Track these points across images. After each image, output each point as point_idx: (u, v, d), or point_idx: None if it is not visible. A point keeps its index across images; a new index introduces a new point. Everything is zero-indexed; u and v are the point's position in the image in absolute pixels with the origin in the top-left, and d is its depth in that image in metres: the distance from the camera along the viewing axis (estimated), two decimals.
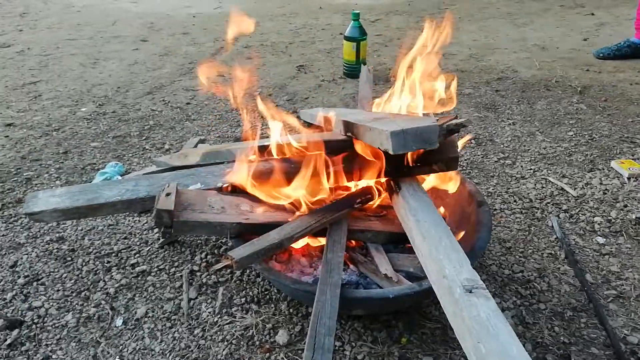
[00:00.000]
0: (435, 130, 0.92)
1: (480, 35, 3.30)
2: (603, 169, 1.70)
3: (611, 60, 2.69)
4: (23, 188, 1.67)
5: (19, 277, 1.27)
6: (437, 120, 0.95)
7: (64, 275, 1.28)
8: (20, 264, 1.32)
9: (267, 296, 1.20)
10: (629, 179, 1.62)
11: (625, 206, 1.49)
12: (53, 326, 1.13)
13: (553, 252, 1.32)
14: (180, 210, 1.09)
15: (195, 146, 1.87)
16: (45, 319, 1.15)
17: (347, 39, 2.57)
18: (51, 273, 1.29)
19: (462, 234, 1.17)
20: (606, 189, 1.58)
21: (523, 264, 1.28)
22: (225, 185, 1.23)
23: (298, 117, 2.17)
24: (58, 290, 1.23)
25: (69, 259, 1.34)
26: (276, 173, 1.15)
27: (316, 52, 3.13)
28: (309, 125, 2.07)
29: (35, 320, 1.14)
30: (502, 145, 1.89)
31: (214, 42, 3.38)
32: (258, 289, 1.22)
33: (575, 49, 2.98)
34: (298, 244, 1.17)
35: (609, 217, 1.45)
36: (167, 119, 2.19)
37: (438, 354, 1.03)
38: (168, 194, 1.10)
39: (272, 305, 1.17)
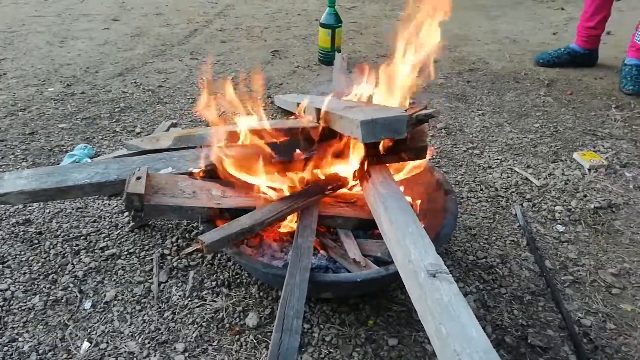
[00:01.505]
0: (404, 120, 0.94)
1: (453, 26, 3.34)
2: (566, 160, 1.76)
3: (550, 67, 2.64)
4: None
5: None
6: (406, 110, 0.97)
7: (31, 258, 1.27)
8: None
9: (238, 280, 1.21)
10: (589, 170, 1.69)
11: (585, 196, 1.55)
12: (19, 309, 1.12)
13: (515, 239, 1.38)
14: (151, 194, 1.09)
15: (167, 130, 1.86)
16: (12, 302, 1.14)
17: (323, 25, 2.57)
18: (17, 256, 1.27)
19: (427, 218, 1.21)
20: (568, 180, 1.64)
21: (487, 251, 1.33)
22: (197, 171, 1.23)
23: (272, 102, 2.17)
24: (25, 273, 1.22)
25: (36, 241, 1.32)
26: (251, 158, 1.16)
27: (291, 38, 3.11)
28: (283, 110, 2.07)
29: (1, 303, 1.13)
30: (471, 135, 1.94)
31: (187, 24, 3.32)
32: (229, 272, 1.23)
33: (545, 42, 3.05)
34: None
35: (569, 207, 1.51)
36: (138, 102, 2.16)
37: (403, 335, 1.07)
38: (138, 178, 1.10)
39: (243, 289, 1.18)
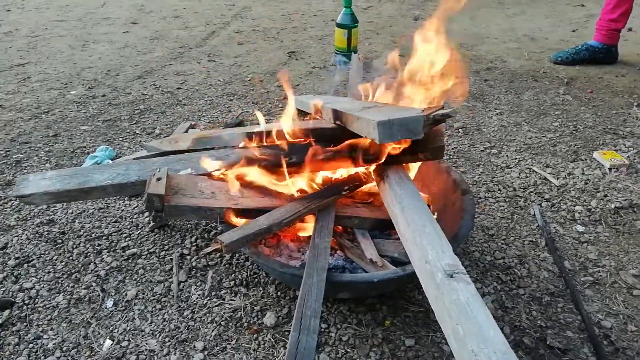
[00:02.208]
0: (421, 120, 0.94)
1: (471, 25, 3.32)
2: (586, 160, 1.74)
3: (569, 65, 2.62)
4: (12, 170, 1.67)
5: (9, 258, 1.29)
6: (423, 110, 0.97)
7: (55, 257, 1.30)
8: (11, 246, 1.33)
9: (256, 279, 1.22)
10: (610, 169, 1.66)
11: (606, 196, 1.53)
12: (44, 307, 1.15)
13: (534, 240, 1.36)
14: (171, 195, 1.11)
15: (186, 131, 1.88)
16: (36, 300, 1.17)
17: (339, 26, 2.57)
18: (42, 255, 1.31)
19: (444, 219, 1.21)
20: (588, 179, 1.62)
21: (505, 251, 1.32)
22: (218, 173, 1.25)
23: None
24: (49, 272, 1.25)
25: (60, 241, 1.36)
26: (264, 160, 1.17)
27: (308, 39, 3.13)
28: (300, 111, 2.08)
29: (26, 302, 1.16)
30: (488, 135, 1.92)
31: (205, 27, 3.36)
32: (247, 272, 1.24)
33: (564, 40, 3.01)
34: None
35: (589, 207, 1.49)
36: (157, 104, 2.19)
37: (420, 336, 1.07)
38: (159, 179, 1.12)
39: (261, 289, 1.20)
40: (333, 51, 2.70)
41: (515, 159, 1.76)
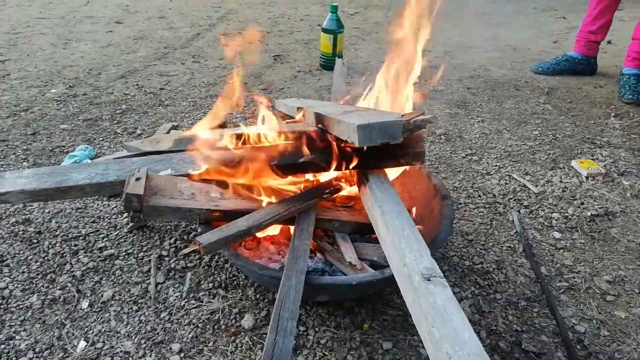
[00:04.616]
0: (400, 125, 0.95)
1: (454, 34, 3.36)
2: (564, 168, 1.77)
3: (549, 75, 2.65)
4: None
5: None
6: (403, 116, 0.98)
7: (30, 257, 1.28)
8: None
9: (235, 282, 1.22)
10: (587, 178, 1.69)
11: (582, 204, 1.56)
12: (17, 307, 1.13)
13: (512, 246, 1.38)
14: (150, 195, 1.10)
15: (168, 132, 1.87)
16: (9, 300, 1.15)
17: (325, 31, 2.58)
18: (16, 255, 1.28)
19: (423, 223, 1.22)
20: (565, 187, 1.65)
21: (483, 256, 1.34)
22: (196, 173, 1.24)
23: (272, 107, 2.18)
24: (23, 272, 1.23)
25: (35, 241, 1.33)
26: (246, 162, 1.17)
27: (293, 43, 3.13)
28: (283, 115, 2.08)
29: None
30: (470, 142, 1.95)
31: (190, 28, 3.34)
32: (226, 274, 1.24)
33: (545, 50, 3.07)
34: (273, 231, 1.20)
35: (566, 214, 1.51)
36: (140, 104, 2.17)
37: (398, 339, 1.08)
38: (138, 179, 1.11)
39: (239, 291, 1.19)
40: (319, 55, 2.71)
41: (496, 166, 1.78)
